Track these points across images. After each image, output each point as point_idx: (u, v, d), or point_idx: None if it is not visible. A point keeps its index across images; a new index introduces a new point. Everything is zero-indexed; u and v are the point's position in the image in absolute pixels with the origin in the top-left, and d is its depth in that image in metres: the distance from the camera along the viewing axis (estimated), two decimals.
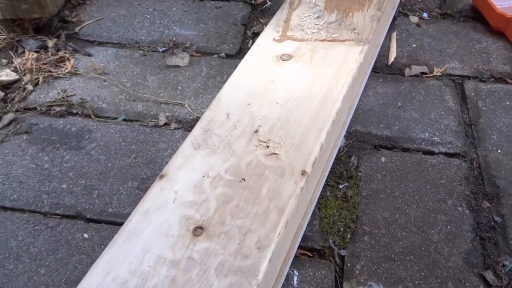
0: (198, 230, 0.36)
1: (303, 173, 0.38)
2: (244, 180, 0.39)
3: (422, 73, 0.65)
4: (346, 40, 0.54)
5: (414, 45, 0.70)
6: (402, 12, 0.77)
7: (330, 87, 0.47)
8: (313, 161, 0.40)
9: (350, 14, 0.58)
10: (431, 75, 0.65)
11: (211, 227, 0.36)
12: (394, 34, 0.72)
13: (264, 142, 0.42)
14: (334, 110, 0.45)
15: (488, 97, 0.61)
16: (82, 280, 0.33)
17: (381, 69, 0.66)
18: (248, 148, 0.42)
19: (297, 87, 0.48)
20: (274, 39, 0.55)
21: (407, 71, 0.65)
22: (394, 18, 0.74)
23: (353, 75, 0.49)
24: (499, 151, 0.54)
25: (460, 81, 0.64)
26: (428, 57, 0.68)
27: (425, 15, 0.77)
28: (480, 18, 0.75)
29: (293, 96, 0.47)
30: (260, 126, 0.44)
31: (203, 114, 0.46)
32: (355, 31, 0.55)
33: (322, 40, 0.54)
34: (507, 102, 0.61)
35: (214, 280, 0.32)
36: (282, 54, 0.52)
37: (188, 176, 0.40)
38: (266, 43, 0.54)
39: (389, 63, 0.67)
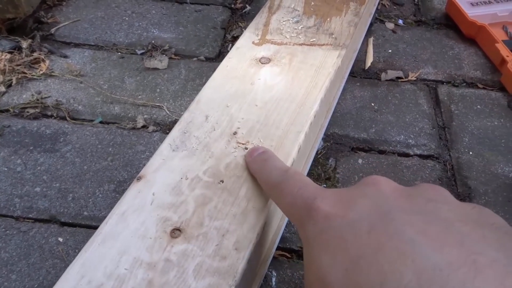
0: (176, 232, 0.35)
1: None
2: (222, 181, 0.39)
3: (398, 77, 0.67)
4: (324, 44, 0.55)
5: (390, 51, 0.72)
6: (378, 19, 0.79)
7: (308, 90, 0.48)
8: (291, 163, 0.40)
9: (328, 19, 0.59)
10: (406, 79, 0.67)
11: (189, 228, 0.35)
12: (370, 40, 0.74)
13: (243, 144, 0.42)
14: (312, 112, 0.45)
15: (460, 101, 0.63)
16: (56, 284, 0.32)
17: (358, 74, 0.68)
18: (226, 149, 0.41)
19: (276, 89, 0.48)
20: (253, 42, 0.55)
21: (383, 76, 0.67)
22: (371, 25, 0.75)
23: (331, 78, 0.50)
24: (470, 153, 0.56)
25: (434, 86, 0.66)
26: (403, 62, 0.70)
27: (400, 22, 0.79)
28: (452, 25, 0.77)
29: (272, 98, 0.47)
30: (239, 128, 0.44)
31: (182, 115, 0.45)
32: (333, 36, 0.56)
33: (301, 44, 0.55)
34: (478, 106, 0.63)
35: (191, 281, 0.32)
36: (261, 57, 0.52)
37: (166, 178, 0.39)
38: (245, 46, 0.54)
39: (366, 68, 0.68)
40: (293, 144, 0.42)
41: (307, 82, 0.49)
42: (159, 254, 0.34)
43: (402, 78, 0.67)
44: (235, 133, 0.43)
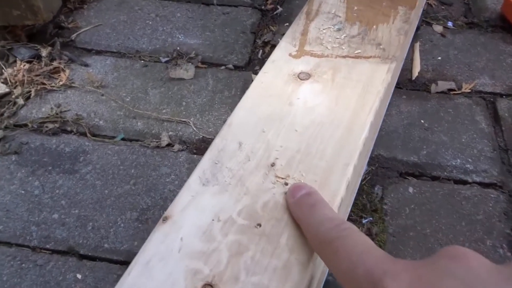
0: None
1: None
2: (260, 225, 0.34)
3: (450, 89, 0.61)
4: (370, 56, 0.49)
5: (439, 58, 0.65)
6: (425, 21, 0.72)
7: (356, 112, 0.42)
8: (339, 203, 0.35)
9: (374, 26, 0.53)
10: (460, 92, 0.60)
11: (222, 284, 0.31)
12: (417, 45, 0.67)
13: (282, 178, 0.37)
14: (361, 140, 0.40)
15: None
16: None
17: (404, 85, 0.61)
18: (264, 185, 0.37)
19: (318, 111, 0.43)
20: (290, 55, 0.50)
21: (433, 88, 0.60)
22: (417, 28, 0.69)
23: (381, 98, 0.44)
24: None
25: (492, 99, 0.59)
26: (455, 71, 0.63)
27: (449, 24, 0.72)
28: (509, 28, 0.70)
29: (314, 122, 0.42)
30: (277, 158, 0.39)
31: (213, 142, 0.41)
32: (381, 47, 0.50)
33: (344, 57, 0.49)
34: None
35: None
36: (300, 73, 0.47)
37: (195, 219, 0.35)
38: (281, 59, 0.49)
39: (413, 78, 0.62)
40: (340, 179, 0.37)
41: (353, 103, 0.43)
42: None
43: (454, 90, 0.60)
44: (273, 164, 0.38)
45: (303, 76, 0.47)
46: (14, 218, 0.47)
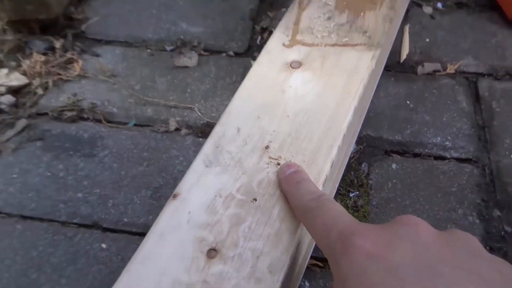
0: (212, 252, 0.37)
1: None
2: (255, 200, 0.40)
3: (435, 70, 0.64)
4: (357, 44, 0.53)
5: (427, 40, 0.69)
6: (415, 2, 0.75)
7: (341, 99, 0.47)
8: (323, 180, 0.41)
9: (362, 14, 0.57)
10: (444, 73, 0.64)
11: (224, 249, 0.37)
12: (407, 28, 0.71)
13: (275, 159, 0.42)
14: (345, 124, 0.45)
15: (503, 97, 0.61)
16: None
17: (393, 67, 0.66)
18: (259, 165, 0.42)
19: (307, 98, 0.48)
20: (283, 44, 0.54)
21: (419, 69, 0.64)
22: (407, 10, 0.72)
23: (364, 84, 0.49)
24: None
25: (474, 79, 0.64)
26: (442, 53, 0.67)
27: (439, 5, 0.75)
28: (497, 7, 0.73)
29: (304, 109, 0.47)
30: (271, 141, 0.44)
31: (214, 128, 0.46)
32: (367, 34, 0.54)
33: (333, 45, 0.53)
34: None
35: None
36: (292, 61, 0.51)
37: (200, 196, 0.40)
38: (275, 49, 0.53)
39: (402, 61, 0.66)
40: (325, 159, 0.42)
41: (339, 90, 0.48)
42: (197, 275, 0.36)
43: (440, 71, 0.64)
44: (267, 147, 0.44)
45: (295, 65, 0.51)
46: (44, 197, 0.54)
